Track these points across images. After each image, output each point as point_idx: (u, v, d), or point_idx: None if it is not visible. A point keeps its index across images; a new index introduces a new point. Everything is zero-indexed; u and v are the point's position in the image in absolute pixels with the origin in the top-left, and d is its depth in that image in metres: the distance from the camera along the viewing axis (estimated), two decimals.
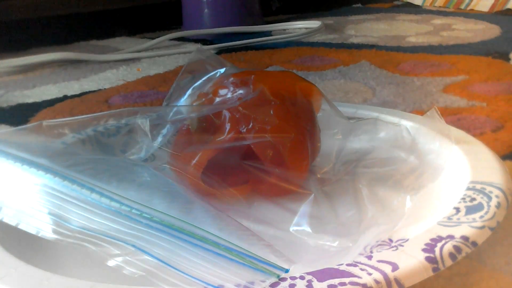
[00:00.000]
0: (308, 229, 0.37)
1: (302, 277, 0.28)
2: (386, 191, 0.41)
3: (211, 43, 1.30)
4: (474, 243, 0.30)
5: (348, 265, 0.29)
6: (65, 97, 0.87)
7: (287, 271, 0.29)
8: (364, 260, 0.29)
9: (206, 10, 1.42)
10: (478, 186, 0.36)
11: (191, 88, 0.47)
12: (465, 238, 0.30)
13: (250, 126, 0.41)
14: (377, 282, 0.27)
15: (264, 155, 0.41)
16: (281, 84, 0.45)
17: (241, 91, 0.43)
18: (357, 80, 0.85)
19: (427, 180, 0.41)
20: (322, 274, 0.28)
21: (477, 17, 1.40)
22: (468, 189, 0.36)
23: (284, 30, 1.42)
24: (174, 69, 1.03)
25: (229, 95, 0.44)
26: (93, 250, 0.31)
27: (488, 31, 1.20)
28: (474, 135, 0.46)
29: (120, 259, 0.30)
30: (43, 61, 1.11)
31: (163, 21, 1.60)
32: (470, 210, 0.33)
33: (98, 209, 0.33)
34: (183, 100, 0.47)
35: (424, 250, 0.29)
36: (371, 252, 0.33)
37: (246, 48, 1.20)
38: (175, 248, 0.30)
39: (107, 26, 1.53)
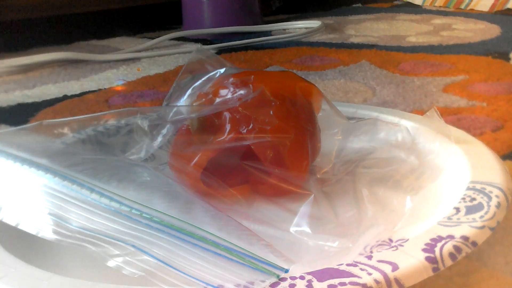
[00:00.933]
0: (308, 230, 0.37)
1: (302, 277, 0.28)
2: (386, 191, 0.41)
3: (211, 43, 1.30)
4: (474, 243, 0.30)
5: (348, 265, 0.29)
6: (65, 97, 0.87)
7: (286, 271, 0.29)
8: (364, 260, 0.29)
9: (206, 10, 1.42)
10: (478, 186, 0.36)
11: (191, 88, 0.47)
12: (465, 238, 0.30)
13: (250, 126, 0.41)
14: (377, 282, 0.27)
15: (264, 155, 0.41)
16: (281, 85, 0.44)
17: (241, 92, 0.43)
18: (357, 80, 0.85)
19: (427, 180, 0.41)
20: (322, 274, 0.28)
21: (477, 17, 1.40)
22: (468, 189, 0.36)
23: (284, 30, 1.42)
24: (174, 69, 1.03)
25: (229, 96, 0.44)
26: (93, 250, 0.31)
27: (488, 31, 1.20)
28: (474, 135, 0.46)
29: (119, 259, 0.30)
30: (43, 61, 1.11)
31: (163, 21, 1.60)
32: (470, 210, 0.33)
33: (98, 209, 0.33)
34: (183, 100, 0.47)
35: (424, 250, 0.29)
36: (371, 252, 0.33)
37: (246, 48, 1.20)
38: (174, 248, 0.30)
39: (107, 26, 1.53)
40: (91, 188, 0.33)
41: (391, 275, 0.27)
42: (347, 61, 0.99)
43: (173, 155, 0.43)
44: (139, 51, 1.23)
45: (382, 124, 0.48)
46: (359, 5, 1.83)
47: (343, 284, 0.27)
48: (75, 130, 0.47)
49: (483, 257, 0.36)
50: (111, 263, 0.30)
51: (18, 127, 0.42)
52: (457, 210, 0.34)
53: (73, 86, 0.94)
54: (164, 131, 0.45)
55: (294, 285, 0.27)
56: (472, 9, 1.52)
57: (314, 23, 1.40)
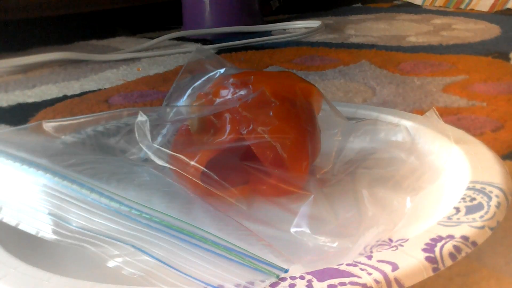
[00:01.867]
0: (308, 230, 0.37)
1: (302, 277, 0.28)
2: (386, 192, 0.41)
3: (211, 43, 1.30)
4: (474, 243, 0.30)
5: (348, 265, 0.28)
6: (65, 97, 0.87)
7: (286, 271, 0.29)
8: (364, 260, 0.29)
9: (206, 10, 1.42)
10: (478, 186, 0.36)
11: (191, 88, 0.47)
12: (465, 238, 0.30)
13: (251, 127, 0.41)
14: (377, 282, 0.27)
15: (264, 156, 0.41)
16: (281, 85, 0.44)
17: (241, 92, 0.43)
18: (357, 80, 0.85)
19: (427, 181, 0.41)
20: (322, 274, 0.28)
21: (477, 17, 1.40)
22: (468, 189, 0.36)
23: (284, 30, 1.42)
24: (174, 69, 1.03)
25: (229, 96, 0.44)
26: (92, 250, 0.31)
27: (488, 31, 1.20)
28: (474, 135, 0.46)
29: (119, 259, 0.30)
30: (43, 61, 1.11)
31: (163, 21, 1.60)
32: (470, 210, 0.33)
33: (98, 209, 0.33)
34: (183, 101, 0.47)
35: (424, 250, 0.29)
36: (371, 252, 0.33)
37: (246, 48, 1.20)
38: (174, 248, 0.30)
39: (107, 26, 1.53)
40: (91, 188, 0.33)
41: (391, 275, 0.27)
42: (347, 61, 0.99)
43: (173, 155, 0.43)
44: (139, 51, 1.23)
45: (382, 125, 0.48)
46: (359, 5, 1.83)
47: (343, 284, 0.27)
48: (75, 130, 0.48)
49: (483, 257, 0.36)
50: (111, 263, 0.30)
51: (18, 127, 0.42)
52: (457, 210, 0.34)
53: (73, 86, 0.94)
54: (164, 131, 0.45)
55: (294, 285, 0.27)
56: (472, 9, 1.52)
57: (314, 23, 1.40)
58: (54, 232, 0.31)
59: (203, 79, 0.47)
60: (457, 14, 1.46)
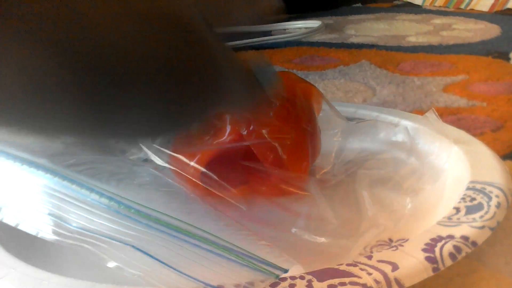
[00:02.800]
0: (308, 230, 0.37)
1: (302, 277, 0.28)
2: (386, 192, 0.41)
3: None
4: (474, 243, 0.30)
5: (348, 265, 0.29)
6: None
7: (286, 271, 0.29)
8: (364, 260, 0.29)
9: None
10: (478, 186, 0.36)
11: None
12: (465, 238, 0.30)
13: (251, 128, 0.41)
14: (377, 282, 0.27)
15: (264, 156, 0.41)
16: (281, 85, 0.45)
17: None
18: (357, 79, 0.85)
19: (427, 181, 0.41)
20: (322, 274, 0.28)
21: (477, 16, 1.40)
22: (468, 189, 0.36)
23: (284, 30, 1.42)
24: None
25: None
26: (92, 251, 0.31)
27: (488, 31, 1.20)
28: (474, 135, 0.46)
29: (119, 259, 0.30)
30: None
31: None
32: (470, 210, 0.33)
33: (97, 209, 0.32)
34: None
35: (424, 250, 0.29)
36: (371, 252, 0.33)
37: (246, 48, 1.20)
38: (173, 248, 0.30)
39: None
40: (90, 188, 0.33)
41: (391, 275, 0.27)
42: (347, 61, 0.99)
43: (173, 155, 0.43)
44: None
45: (382, 125, 0.48)
46: (359, 5, 1.83)
47: (343, 284, 0.27)
48: None
49: (483, 257, 0.36)
50: (111, 263, 0.30)
51: None
52: (457, 210, 0.34)
53: None
54: None
55: (294, 285, 0.27)
56: (472, 9, 1.52)
57: (314, 23, 1.40)
58: (54, 232, 0.31)
59: None
60: (457, 14, 1.46)
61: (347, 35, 1.27)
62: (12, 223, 0.33)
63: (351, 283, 0.27)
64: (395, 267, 0.28)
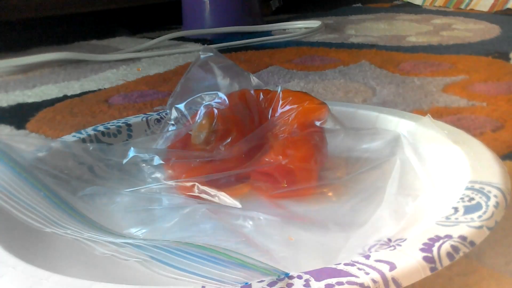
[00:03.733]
0: (310, 232, 0.37)
1: (299, 277, 0.28)
2: (387, 193, 0.41)
3: (211, 42, 1.30)
4: (472, 243, 0.30)
5: (345, 264, 0.28)
6: (65, 97, 0.87)
7: (287, 274, 0.29)
8: (361, 259, 0.29)
9: (206, 10, 1.42)
10: (477, 186, 0.36)
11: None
12: (463, 238, 0.30)
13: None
14: (374, 281, 0.27)
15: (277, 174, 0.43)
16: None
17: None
18: (357, 80, 0.85)
19: (426, 181, 0.41)
20: (320, 274, 0.28)
21: (477, 17, 1.40)
22: (467, 188, 0.36)
23: (284, 30, 1.43)
24: (174, 69, 1.03)
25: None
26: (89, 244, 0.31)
27: (488, 31, 1.20)
28: (474, 135, 0.46)
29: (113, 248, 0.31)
30: (43, 61, 1.12)
31: (163, 21, 1.61)
32: (468, 210, 0.33)
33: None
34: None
35: (421, 249, 0.29)
36: (370, 251, 0.33)
37: (246, 48, 1.20)
38: (173, 250, 0.30)
39: (107, 26, 1.53)
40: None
41: (388, 274, 0.27)
42: (347, 61, 0.99)
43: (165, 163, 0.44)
44: (139, 51, 1.23)
45: (382, 131, 0.48)
46: (359, 5, 1.83)
47: (341, 283, 0.27)
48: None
49: (483, 257, 0.36)
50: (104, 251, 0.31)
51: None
52: (456, 210, 0.34)
53: (73, 86, 0.94)
54: (165, 135, 0.45)
55: (292, 284, 0.27)
56: (472, 9, 1.52)
57: (314, 23, 1.40)
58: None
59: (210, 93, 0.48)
60: (457, 14, 1.46)
61: (347, 35, 1.27)
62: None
63: (349, 283, 0.27)
64: (392, 266, 0.28)
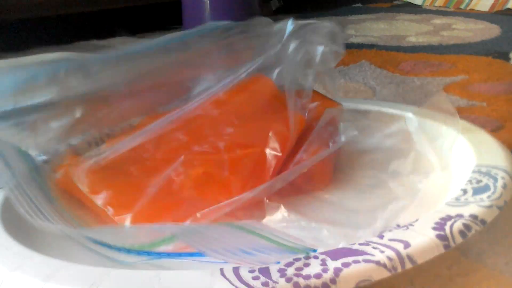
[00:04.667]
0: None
1: (316, 257, 0.28)
2: (394, 181, 0.42)
3: None
4: (483, 221, 0.31)
5: (360, 244, 0.29)
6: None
7: (314, 250, 0.29)
8: (376, 239, 0.29)
9: (206, 10, 1.42)
10: (484, 169, 0.37)
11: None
12: (474, 217, 0.31)
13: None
14: (390, 259, 0.27)
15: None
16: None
17: None
18: (357, 80, 0.85)
19: (434, 167, 0.42)
20: (336, 253, 0.28)
21: (477, 17, 1.40)
22: (474, 172, 0.37)
23: None
24: None
25: None
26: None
27: (488, 31, 1.20)
28: None
29: None
30: (43, 61, 1.11)
31: (163, 21, 1.60)
32: (477, 191, 0.34)
33: None
34: None
35: (434, 228, 0.30)
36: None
37: None
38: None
39: (107, 26, 1.53)
40: None
41: (403, 252, 0.28)
42: (347, 61, 0.99)
43: None
44: None
45: (388, 117, 0.48)
46: (359, 5, 1.83)
47: (357, 262, 0.27)
48: None
49: (483, 257, 0.36)
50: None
51: None
52: (464, 191, 0.34)
53: None
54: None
55: (309, 264, 0.28)
56: (472, 9, 1.52)
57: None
58: None
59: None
60: (457, 14, 1.46)
61: (347, 35, 1.27)
62: None
63: (365, 261, 0.27)
64: (407, 244, 0.28)
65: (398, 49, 1.07)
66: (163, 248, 0.32)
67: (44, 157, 0.42)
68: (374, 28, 1.34)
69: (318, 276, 0.27)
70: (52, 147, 0.43)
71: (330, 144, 0.44)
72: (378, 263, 0.27)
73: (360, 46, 1.13)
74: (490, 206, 0.32)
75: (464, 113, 0.65)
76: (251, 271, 0.28)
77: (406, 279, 0.33)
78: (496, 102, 0.69)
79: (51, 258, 0.31)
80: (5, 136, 0.40)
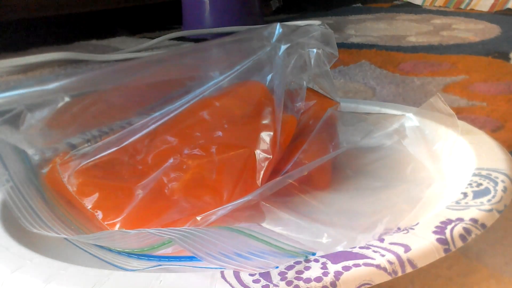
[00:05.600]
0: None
1: (316, 260, 0.28)
2: (395, 184, 0.42)
3: None
4: (483, 225, 0.31)
5: (361, 248, 0.29)
6: None
7: (314, 254, 0.29)
8: (376, 243, 0.29)
9: (206, 10, 1.43)
10: (484, 172, 0.37)
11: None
12: (474, 221, 0.31)
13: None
14: (390, 263, 0.27)
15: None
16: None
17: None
18: (357, 80, 0.85)
19: (433, 169, 0.42)
20: (336, 257, 0.28)
21: (477, 16, 1.40)
22: (474, 175, 0.37)
23: None
24: None
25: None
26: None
27: (488, 31, 1.20)
28: None
29: None
30: (43, 61, 1.12)
31: (163, 21, 1.61)
32: (477, 195, 0.34)
33: None
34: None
35: (435, 232, 0.30)
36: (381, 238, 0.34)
37: None
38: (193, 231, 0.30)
39: (107, 26, 1.53)
40: None
41: (404, 256, 0.28)
42: (347, 61, 0.99)
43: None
44: (139, 51, 1.23)
45: (388, 117, 0.48)
46: (359, 5, 1.83)
47: (357, 265, 0.27)
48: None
49: (483, 257, 0.36)
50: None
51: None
52: (465, 195, 0.34)
53: None
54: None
55: (309, 267, 0.28)
56: (472, 9, 1.52)
57: (314, 23, 1.40)
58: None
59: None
60: (457, 14, 1.47)
61: (347, 35, 1.27)
62: None
63: (365, 264, 0.27)
64: (407, 248, 0.28)
65: (398, 49, 1.07)
66: (162, 251, 0.32)
67: (40, 157, 0.42)
68: (374, 28, 1.34)
69: (318, 279, 0.27)
70: (51, 146, 0.43)
71: (330, 146, 0.44)
72: (378, 266, 0.27)
73: (360, 46, 1.13)
74: (490, 210, 0.32)
75: (464, 113, 0.65)
76: (252, 274, 0.28)
77: (406, 279, 0.33)
78: (496, 102, 0.69)
79: (51, 259, 0.31)
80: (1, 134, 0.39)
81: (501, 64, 0.90)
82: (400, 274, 0.27)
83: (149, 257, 0.33)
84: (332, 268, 0.27)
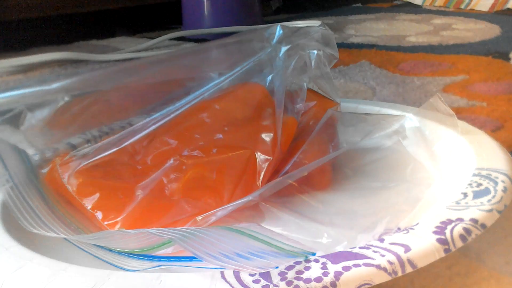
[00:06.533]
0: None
1: (316, 260, 0.28)
2: (395, 184, 0.41)
3: None
4: (483, 225, 0.31)
5: (361, 248, 0.29)
6: None
7: (314, 254, 0.29)
8: (376, 243, 0.29)
9: (206, 10, 1.43)
10: (484, 172, 0.37)
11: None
12: (474, 221, 0.31)
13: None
14: (390, 263, 0.27)
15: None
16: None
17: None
18: (357, 80, 0.85)
19: (433, 169, 0.42)
20: (336, 257, 0.28)
21: (477, 17, 1.40)
22: (474, 175, 0.37)
23: None
24: None
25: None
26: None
27: (488, 31, 1.20)
28: None
29: None
30: (43, 61, 1.12)
31: (163, 21, 1.61)
32: (477, 195, 0.34)
33: None
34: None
35: (435, 232, 0.30)
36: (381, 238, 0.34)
37: None
38: (194, 232, 0.30)
39: (107, 26, 1.53)
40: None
41: (404, 256, 0.28)
42: (347, 61, 0.99)
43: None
44: (139, 51, 1.23)
45: (388, 117, 0.48)
46: (359, 5, 1.83)
47: (357, 265, 0.27)
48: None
49: (483, 257, 0.36)
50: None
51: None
52: (465, 195, 0.34)
53: None
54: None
55: (309, 267, 0.28)
56: (472, 9, 1.52)
57: (314, 23, 1.40)
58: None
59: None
60: (457, 14, 1.47)
61: (347, 35, 1.27)
62: None
63: (365, 265, 0.27)
64: (407, 248, 0.28)
65: (398, 49, 1.07)
66: (162, 252, 0.32)
67: (40, 157, 0.42)
68: (374, 28, 1.34)
69: (318, 279, 0.27)
70: (51, 146, 0.43)
71: (330, 146, 0.44)
72: (378, 267, 0.27)
73: (360, 46, 1.13)
74: (490, 210, 0.32)
75: (464, 113, 0.65)
76: (252, 274, 0.28)
77: (406, 279, 0.33)
78: (496, 102, 0.69)
79: (51, 259, 0.31)
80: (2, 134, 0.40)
81: (501, 64, 0.90)
82: (400, 274, 0.27)
83: (149, 257, 0.33)
84: (332, 268, 0.27)
